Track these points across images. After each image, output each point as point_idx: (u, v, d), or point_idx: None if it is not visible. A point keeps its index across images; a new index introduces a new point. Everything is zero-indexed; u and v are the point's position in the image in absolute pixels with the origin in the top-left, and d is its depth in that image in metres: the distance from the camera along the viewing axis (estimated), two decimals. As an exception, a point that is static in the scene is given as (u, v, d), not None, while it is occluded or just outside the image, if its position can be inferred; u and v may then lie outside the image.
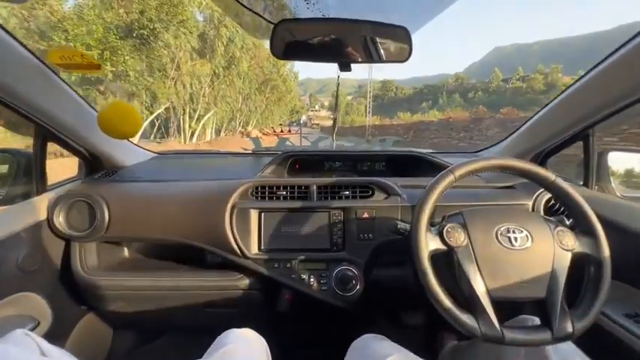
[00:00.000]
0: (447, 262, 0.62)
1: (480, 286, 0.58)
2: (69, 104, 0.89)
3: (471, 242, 0.61)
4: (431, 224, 0.64)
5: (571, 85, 0.87)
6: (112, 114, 0.80)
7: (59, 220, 0.89)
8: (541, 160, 1.08)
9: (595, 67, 0.78)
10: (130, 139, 1.16)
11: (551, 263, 0.60)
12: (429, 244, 0.60)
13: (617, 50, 0.72)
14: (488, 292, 0.58)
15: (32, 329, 0.80)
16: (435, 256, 0.61)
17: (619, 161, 1.07)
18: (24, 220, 0.84)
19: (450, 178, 0.65)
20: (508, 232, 0.61)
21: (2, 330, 0.71)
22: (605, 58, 0.75)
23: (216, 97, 15.57)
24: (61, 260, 0.94)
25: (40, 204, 0.89)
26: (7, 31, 0.67)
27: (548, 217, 0.67)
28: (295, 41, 0.66)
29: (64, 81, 0.85)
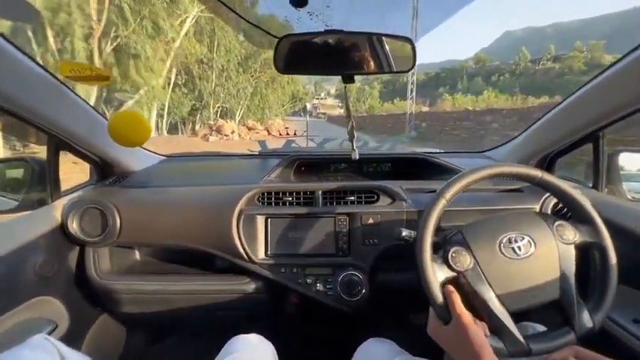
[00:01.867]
0: (457, 286, 0.61)
1: (496, 305, 0.58)
2: (79, 114, 0.91)
3: (477, 263, 0.60)
4: (434, 245, 0.63)
5: (582, 87, 0.85)
6: (121, 124, 0.82)
7: (73, 227, 0.92)
8: (549, 161, 1.06)
9: (607, 68, 0.76)
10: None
11: (558, 262, 0.60)
12: (437, 275, 0.59)
13: (631, 52, 0.70)
14: (505, 307, 0.58)
15: (51, 332, 0.84)
16: (445, 285, 0.60)
17: (631, 163, 1.06)
18: (40, 226, 0.87)
19: (442, 202, 0.63)
20: (510, 242, 0.61)
21: (23, 333, 0.76)
22: (619, 60, 0.73)
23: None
24: (75, 265, 0.98)
25: (55, 211, 0.92)
26: (16, 47, 0.69)
27: (545, 214, 0.66)
28: (298, 55, 0.66)
29: (74, 92, 0.87)
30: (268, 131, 16.08)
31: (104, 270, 0.99)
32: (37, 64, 0.75)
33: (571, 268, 0.60)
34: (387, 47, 0.68)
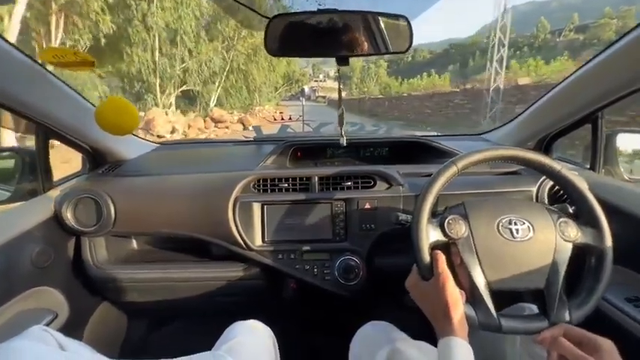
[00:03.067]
0: (447, 254, 0.62)
1: (479, 278, 0.59)
2: (66, 101, 0.88)
3: (472, 234, 0.61)
4: (433, 214, 0.64)
5: (580, 68, 0.83)
6: (108, 111, 0.80)
7: (67, 217, 0.91)
8: (547, 143, 1.06)
9: (605, 49, 0.74)
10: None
11: (552, 254, 0.60)
12: (429, 235, 0.61)
13: (630, 32, 0.68)
14: (488, 283, 0.59)
15: (51, 321, 0.84)
16: (435, 248, 0.61)
17: (628, 143, 1.05)
18: (34, 217, 0.86)
19: (453, 169, 0.64)
20: (510, 223, 0.61)
21: (23, 323, 0.76)
22: (617, 40, 0.71)
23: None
24: (72, 254, 0.98)
25: (48, 201, 0.91)
26: None
27: (551, 207, 0.67)
28: (290, 36, 0.64)
29: (58, 79, 0.84)
30: (243, 124, 12.26)
31: (101, 259, 0.99)
32: (19, 50, 0.72)
33: (563, 263, 0.60)
34: (382, 27, 0.65)
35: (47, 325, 0.82)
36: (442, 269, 0.56)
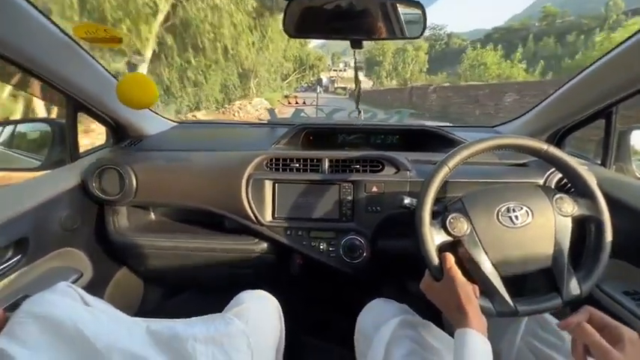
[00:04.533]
0: (454, 251, 0.64)
1: (488, 269, 0.61)
2: (95, 76, 0.94)
3: (474, 229, 0.63)
4: (434, 213, 0.66)
5: (595, 61, 0.83)
6: (128, 85, 0.84)
7: (93, 186, 0.97)
8: (559, 137, 1.05)
9: (621, 43, 0.74)
10: (152, 109, 1.22)
11: (554, 233, 0.63)
12: (434, 238, 0.62)
13: None
14: (498, 272, 0.62)
15: (77, 279, 0.92)
16: (442, 248, 0.63)
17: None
18: (62, 184, 0.93)
19: (445, 170, 0.65)
20: (508, 211, 0.63)
21: (52, 278, 0.84)
22: (633, 35, 0.71)
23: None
24: (96, 221, 1.05)
25: (75, 170, 0.97)
26: (35, 7, 0.71)
27: (547, 187, 0.68)
28: (308, 18, 0.66)
29: (88, 53, 0.89)
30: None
31: (122, 227, 1.06)
32: (55, 25, 0.77)
33: (566, 240, 0.62)
34: (399, 12, 0.67)
35: (73, 282, 0.90)
36: (451, 268, 0.59)
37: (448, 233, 0.63)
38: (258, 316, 0.69)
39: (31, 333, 0.46)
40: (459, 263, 0.62)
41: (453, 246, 0.64)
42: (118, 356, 0.48)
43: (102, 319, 0.54)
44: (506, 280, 0.62)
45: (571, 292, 0.61)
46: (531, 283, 0.74)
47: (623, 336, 0.47)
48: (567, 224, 0.63)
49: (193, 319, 0.62)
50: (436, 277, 0.61)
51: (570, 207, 0.64)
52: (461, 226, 0.63)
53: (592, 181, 0.65)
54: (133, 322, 0.58)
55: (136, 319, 0.60)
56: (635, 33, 0.71)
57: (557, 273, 0.62)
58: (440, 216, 0.66)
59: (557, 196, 0.65)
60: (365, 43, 0.72)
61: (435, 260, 0.61)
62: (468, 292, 0.57)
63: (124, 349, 0.49)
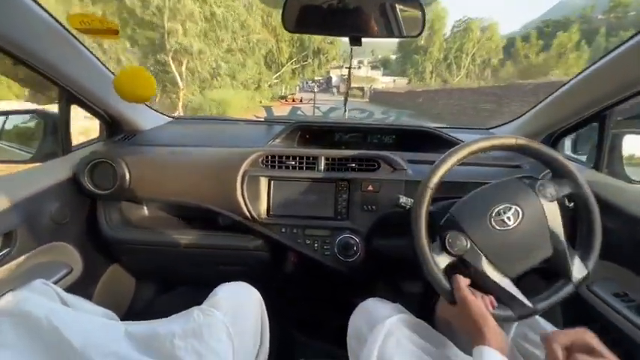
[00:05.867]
0: (461, 269, 0.65)
1: (497, 277, 0.62)
2: (90, 68, 0.92)
3: (473, 242, 0.63)
4: (430, 213, 0.66)
5: (591, 65, 0.84)
6: (126, 78, 0.83)
7: (85, 179, 0.96)
8: (554, 140, 1.06)
9: (617, 47, 0.75)
10: (147, 104, 1.20)
11: (546, 222, 0.64)
12: (438, 262, 0.62)
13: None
14: (507, 276, 0.62)
15: (66, 274, 0.90)
16: (449, 270, 0.63)
17: (635, 144, 1.05)
18: (54, 177, 0.91)
19: (428, 191, 0.66)
20: (499, 214, 0.64)
21: (41, 273, 0.82)
22: (630, 38, 0.72)
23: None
24: (88, 215, 1.03)
25: (67, 163, 0.96)
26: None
27: (528, 177, 0.69)
28: (307, 13, 0.66)
29: (83, 45, 0.87)
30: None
31: (114, 221, 1.04)
32: (51, 16, 0.76)
33: (559, 225, 0.63)
34: (397, 10, 0.67)
35: (63, 277, 0.88)
36: (460, 290, 0.59)
37: (450, 254, 0.63)
38: (237, 305, 0.68)
39: (5, 332, 0.45)
40: (468, 277, 0.62)
41: (458, 263, 0.64)
42: (95, 355, 0.47)
43: (79, 319, 0.53)
44: (518, 282, 0.63)
45: (579, 274, 0.62)
46: (541, 278, 0.75)
47: None
48: (555, 209, 0.64)
49: (171, 316, 0.61)
50: (450, 301, 0.62)
51: (553, 191, 0.65)
52: (460, 244, 0.63)
53: (565, 161, 0.67)
54: (111, 323, 0.57)
55: (113, 322, 0.59)
56: (629, 39, 0.72)
57: (560, 258, 0.63)
58: (437, 236, 0.66)
59: (539, 183, 0.66)
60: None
61: (446, 285, 0.61)
62: (482, 310, 0.57)
63: (102, 348, 0.49)
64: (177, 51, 9.26)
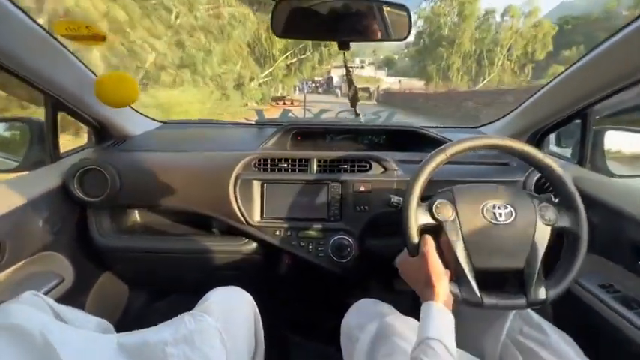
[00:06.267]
0: (434, 235, 0.66)
1: (463, 257, 0.64)
2: (76, 74, 0.91)
3: (458, 217, 0.65)
4: (423, 199, 0.68)
5: (573, 64, 0.86)
6: (107, 84, 0.82)
7: (74, 187, 0.94)
8: (539, 138, 1.09)
9: (597, 46, 0.77)
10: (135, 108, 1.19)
11: (532, 237, 0.65)
12: (419, 219, 0.65)
13: (620, 30, 0.71)
14: (471, 262, 0.64)
15: (58, 284, 0.89)
16: (424, 230, 0.65)
17: (616, 140, 1.09)
18: (42, 186, 0.90)
19: (442, 156, 0.67)
20: (493, 208, 0.66)
21: (32, 283, 0.81)
22: (609, 38, 0.74)
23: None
24: (79, 223, 1.02)
25: (56, 172, 0.94)
26: (14, 4, 0.68)
27: (534, 194, 0.71)
28: (295, 19, 0.67)
29: (69, 51, 0.86)
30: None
31: (106, 229, 1.03)
32: (35, 22, 0.75)
33: (542, 244, 0.65)
34: (385, 14, 0.68)
35: (54, 287, 0.87)
36: (428, 247, 0.61)
37: (432, 217, 0.66)
38: (228, 309, 0.68)
39: None
40: (437, 247, 0.64)
41: (435, 231, 0.66)
42: None
43: (72, 335, 0.52)
44: (478, 272, 0.64)
45: (537, 297, 0.63)
46: (501, 281, 0.76)
47: None
48: (547, 232, 0.65)
49: (163, 324, 0.61)
50: (412, 253, 0.64)
51: (553, 217, 0.66)
52: (446, 212, 0.65)
53: (578, 198, 0.67)
54: (103, 337, 0.57)
55: (106, 335, 0.58)
56: (608, 38, 0.75)
57: (528, 276, 0.64)
58: (428, 200, 0.68)
59: (543, 204, 0.67)
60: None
61: (415, 238, 0.64)
62: (440, 271, 0.59)
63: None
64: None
